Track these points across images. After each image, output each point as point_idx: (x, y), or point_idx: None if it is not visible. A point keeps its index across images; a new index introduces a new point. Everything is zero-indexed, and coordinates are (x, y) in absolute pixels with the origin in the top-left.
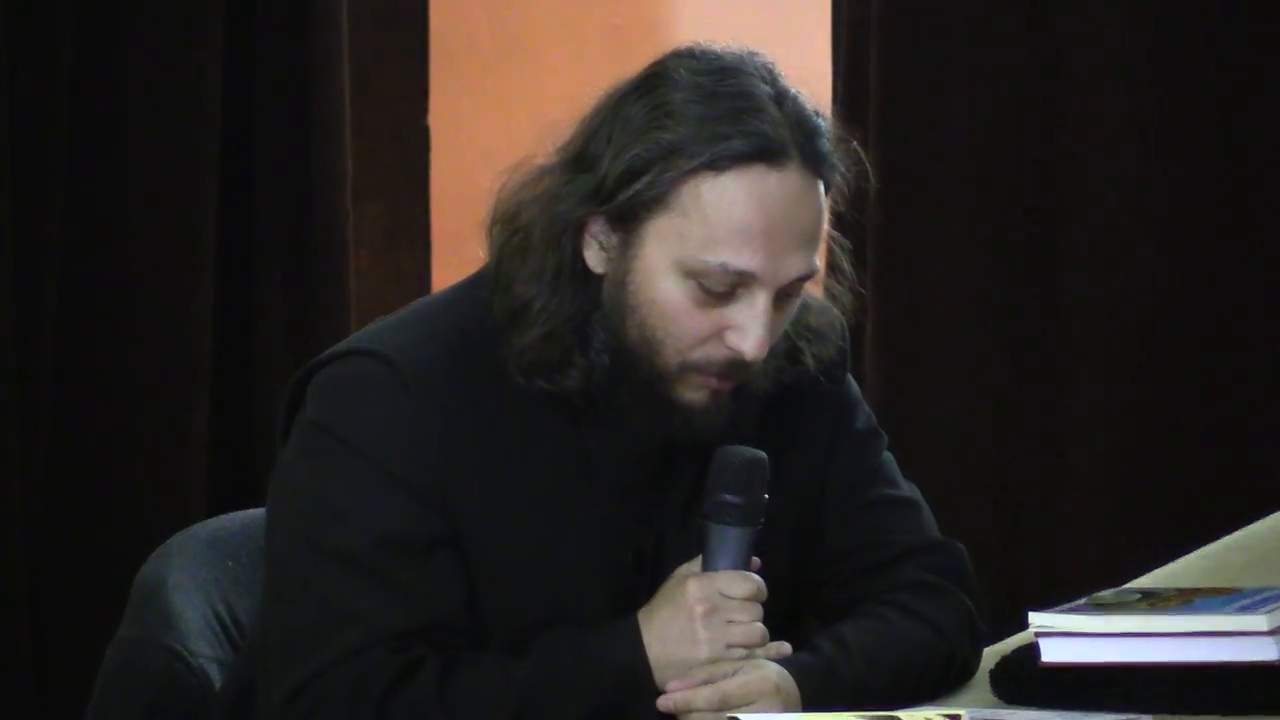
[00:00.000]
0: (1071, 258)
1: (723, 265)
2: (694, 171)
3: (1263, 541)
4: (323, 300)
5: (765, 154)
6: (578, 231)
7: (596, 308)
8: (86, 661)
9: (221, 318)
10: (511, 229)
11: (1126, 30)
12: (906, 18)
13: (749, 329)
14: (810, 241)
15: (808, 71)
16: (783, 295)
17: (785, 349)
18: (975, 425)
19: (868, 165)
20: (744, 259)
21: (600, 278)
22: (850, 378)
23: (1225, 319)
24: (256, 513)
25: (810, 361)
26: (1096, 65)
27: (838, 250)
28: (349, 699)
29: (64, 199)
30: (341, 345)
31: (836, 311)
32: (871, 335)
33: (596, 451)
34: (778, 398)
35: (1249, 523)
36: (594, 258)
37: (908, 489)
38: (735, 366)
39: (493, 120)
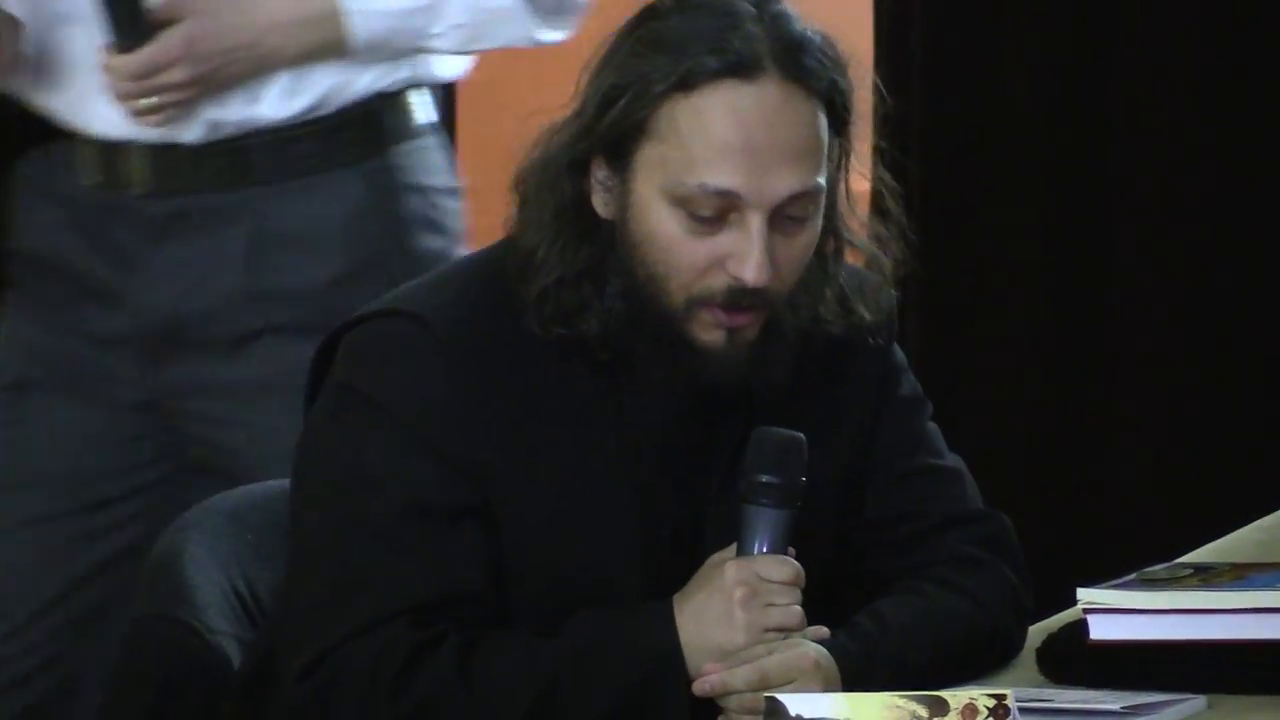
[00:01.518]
0: (1127, 224)
1: (701, 186)
2: (666, 94)
3: None
4: None
5: (737, 69)
6: (576, 175)
7: (610, 253)
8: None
9: None
10: (519, 182)
11: None
12: None
13: (746, 253)
14: (800, 157)
15: (848, 24)
16: (784, 218)
17: (835, 296)
18: (1022, 395)
19: (882, 88)
20: (723, 178)
21: (610, 223)
22: (896, 346)
23: None
24: (279, 484)
25: (865, 314)
26: (1154, 22)
27: (886, 195)
28: (364, 676)
29: None
30: (373, 305)
31: (887, 284)
32: (915, 301)
33: (636, 418)
34: (823, 352)
35: None
36: (600, 202)
37: (951, 459)
38: (743, 296)
39: (523, 71)
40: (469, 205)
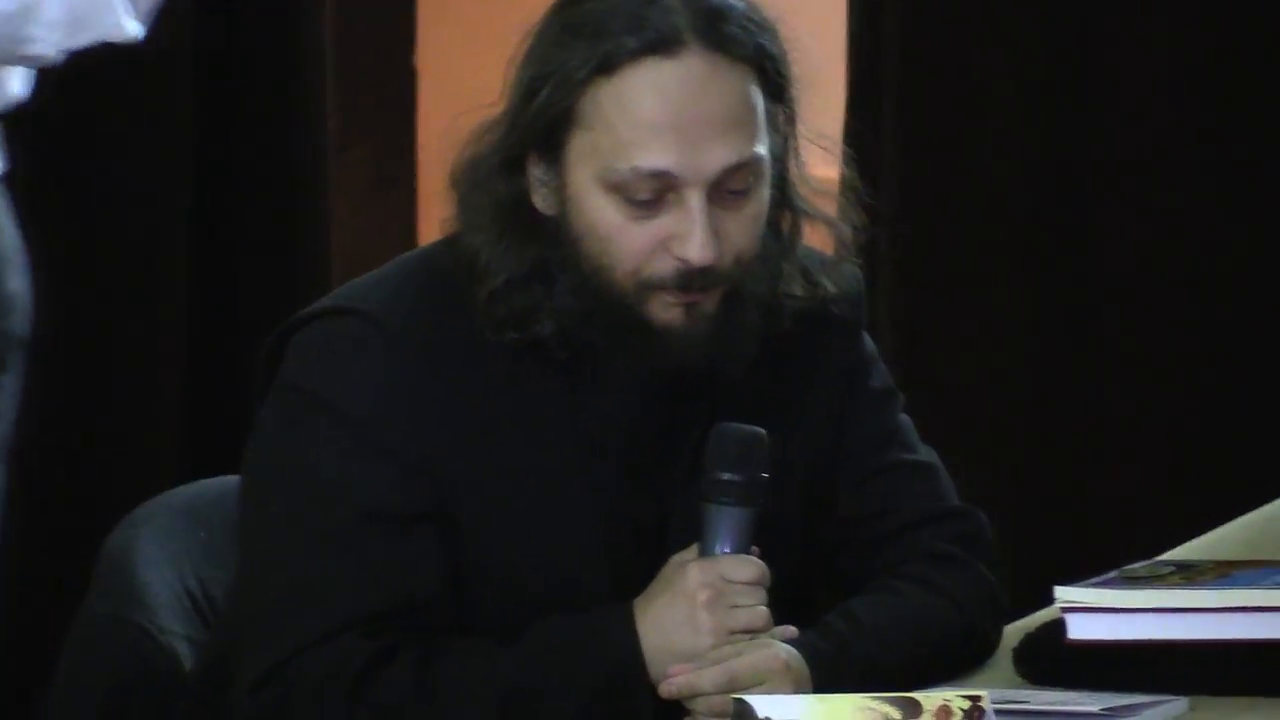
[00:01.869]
0: (1111, 217)
1: (634, 169)
2: (588, 80)
3: None
4: (303, 252)
5: (657, 45)
6: (511, 173)
7: (555, 249)
8: (52, 637)
9: (197, 270)
10: (454, 183)
11: None
12: None
13: (688, 233)
14: (732, 127)
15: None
16: (725, 193)
17: (795, 269)
18: (1000, 387)
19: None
20: (654, 158)
21: (552, 219)
22: (866, 335)
23: (1268, 282)
24: (231, 480)
25: (828, 285)
26: (1131, 15)
27: (850, 173)
28: (318, 688)
29: (33, 144)
30: (322, 302)
31: (853, 266)
32: (888, 290)
33: (594, 414)
34: (789, 334)
35: None
36: (539, 199)
37: (925, 453)
38: (693, 278)
39: (485, 61)
40: (426, 197)
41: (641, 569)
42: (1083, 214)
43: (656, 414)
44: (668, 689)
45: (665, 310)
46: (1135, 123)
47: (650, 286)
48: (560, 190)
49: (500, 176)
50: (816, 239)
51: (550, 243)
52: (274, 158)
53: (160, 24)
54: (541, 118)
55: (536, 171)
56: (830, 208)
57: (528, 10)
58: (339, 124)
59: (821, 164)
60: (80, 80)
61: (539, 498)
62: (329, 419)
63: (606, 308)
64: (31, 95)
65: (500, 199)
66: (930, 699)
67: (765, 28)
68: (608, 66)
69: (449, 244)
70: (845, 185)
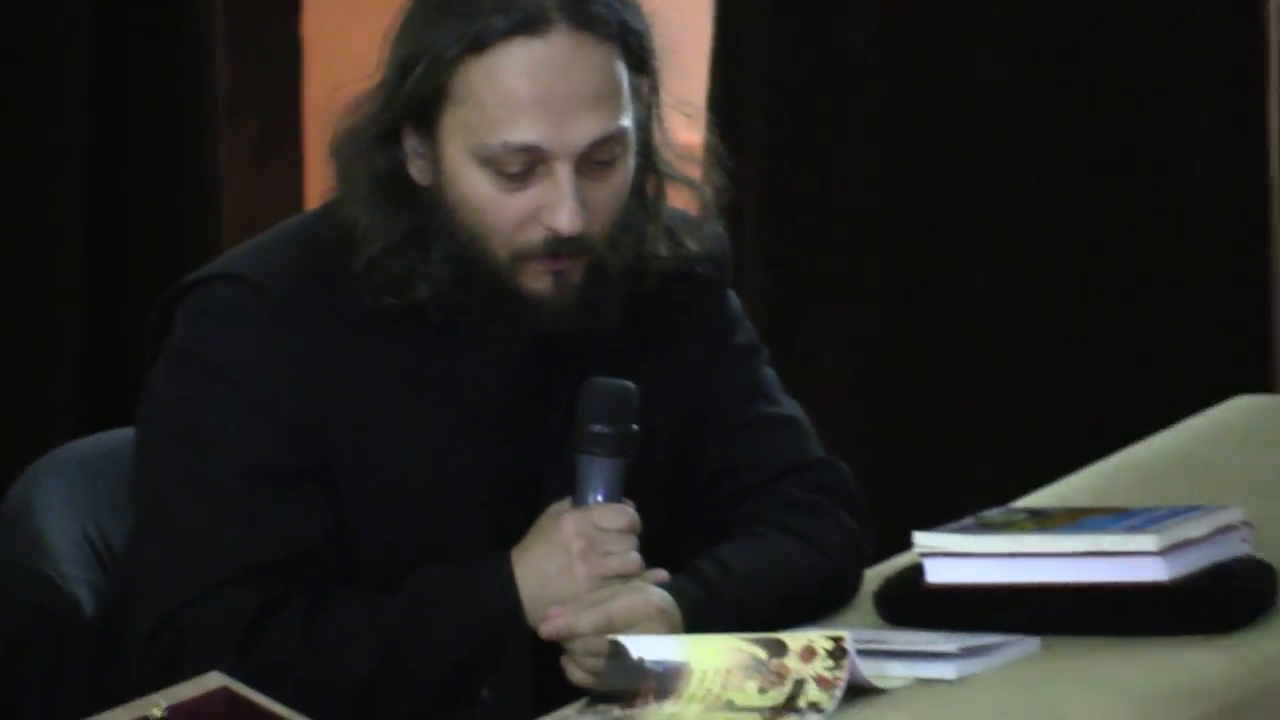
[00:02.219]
0: (963, 171)
1: (504, 144)
2: (459, 58)
3: (1154, 460)
4: (194, 216)
5: (523, 25)
6: (387, 146)
7: (431, 218)
8: None
9: (92, 234)
10: (333, 153)
11: None
12: None
13: (557, 203)
14: (598, 102)
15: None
16: (592, 164)
17: (660, 231)
18: (861, 341)
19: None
20: (523, 132)
21: (428, 189)
22: (731, 293)
23: (1113, 246)
24: (129, 433)
25: (691, 247)
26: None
27: (712, 141)
28: (210, 638)
29: None
30: (208, 268)
31: (717, 225)
32: (754, 247)
33: (470, 374)
34: (656, 294)
35: (1140, 439)
36: (416, 170)
37: (789, 406)
38: (562, 245)
39: (370, 31)
40: (313, 163)
41: (519, 523)
42: (939, 173)
43: (529, 374)
44: (548, 630)
45: (535, 279)
46: (990, 89)
47: (522, 256)
48: (435, 162)
49: (377, 149)
50: (681, 201)
51: (426, 212)
52: (166, 124)
53: (51, 5)
54: (416, 94)
55: (412, 144)
56: (695, 172)
57: None
58: (228, 91)
59: (685, 130)
60: None
61: (418, 455)
62: (215, 381)
63: (480, 275)
64: None
65: (377, 170)
66: (795, 639)
67: (628, 4)
68: (478, 45)
69: (328, 212)
70: (708, 149)
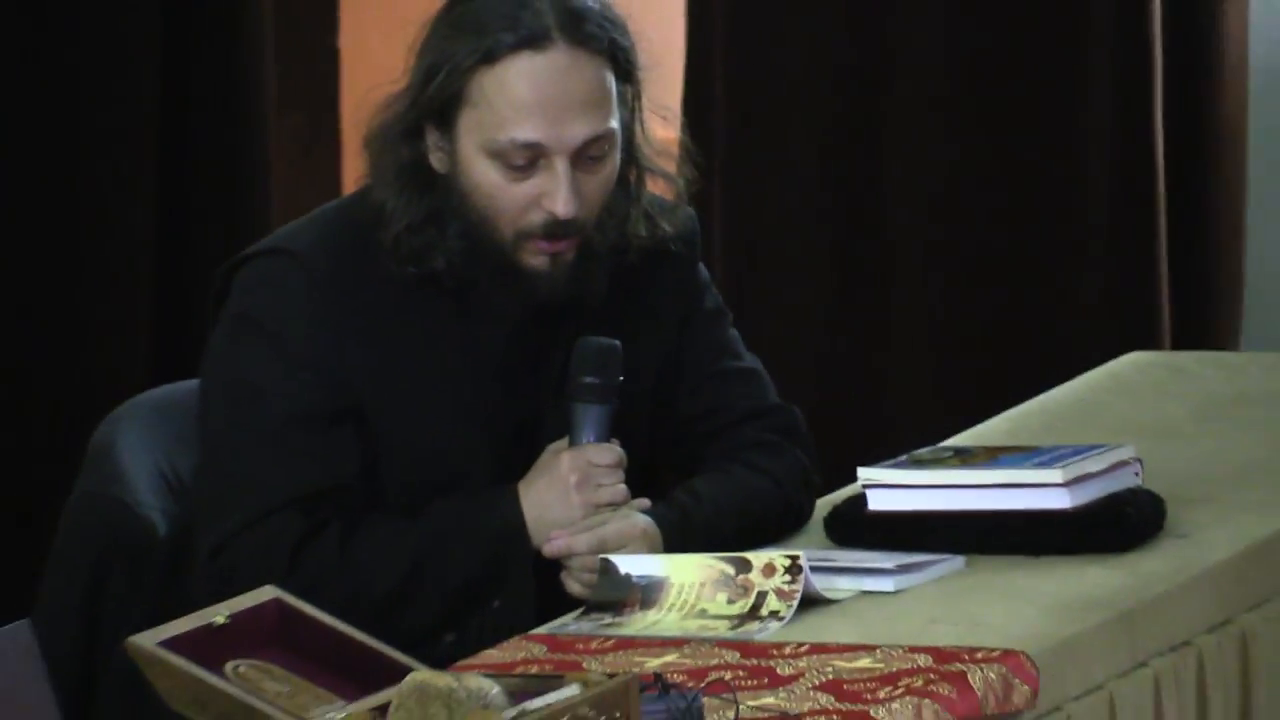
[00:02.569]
0: (891, 163)
1: (511, 140)
2: (474, 68)
3: (1058, 406)
4: (249, 200)
5: (529, 41)
6: (412, 139)
7: (447, 201)
8: (50, 515)
9: (163, 216)
10: (366, 145)
11: None
12: None
13: (555, 191)
14: (591, 107)
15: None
16: (585, 159)
17: (640, 214)
18: (811, 305)
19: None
20: (527, 131)
21: (445, 176)
22: (701, 265)
23: (1021, 225)
24: (193, 383)
25: (666, 227)
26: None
27: (685, 139)
28: (261, 557)
29: (23, 106)
30: (259, 244)
31: (688, 209)
32: (721, 226)
33: (479, 333)
34: (636, 265)
35: (1045, 390)
36: (435, 160)
37: (750, 360)
38: (559, 227)
39: (396, 41)
40: (349, 154)
41: (521, 460)
42: (872, 164)
43: (529, 335)
44: (550, 549)
45: (534, 257)
46: (915, 90)
47: (524, 235)
48: (452, 154)
49: (403, 141)
50: (658, 189)
51: (443, 195)
52: (224, 122)
53: (134, 16)
54: (437, 97)
55: (433, 138)
56: (670, 165)
57: (427, 5)
58: (276, 94)
59: (662, 128)
60: (59, 61)
61: (434, 400)
62: (264, 339)
63: (488, 250)
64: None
65: (403, 160)
66: (758, 558)
67: (617, 25)
68: (490, 57)
69: (361, 195)
70: (682, 146)
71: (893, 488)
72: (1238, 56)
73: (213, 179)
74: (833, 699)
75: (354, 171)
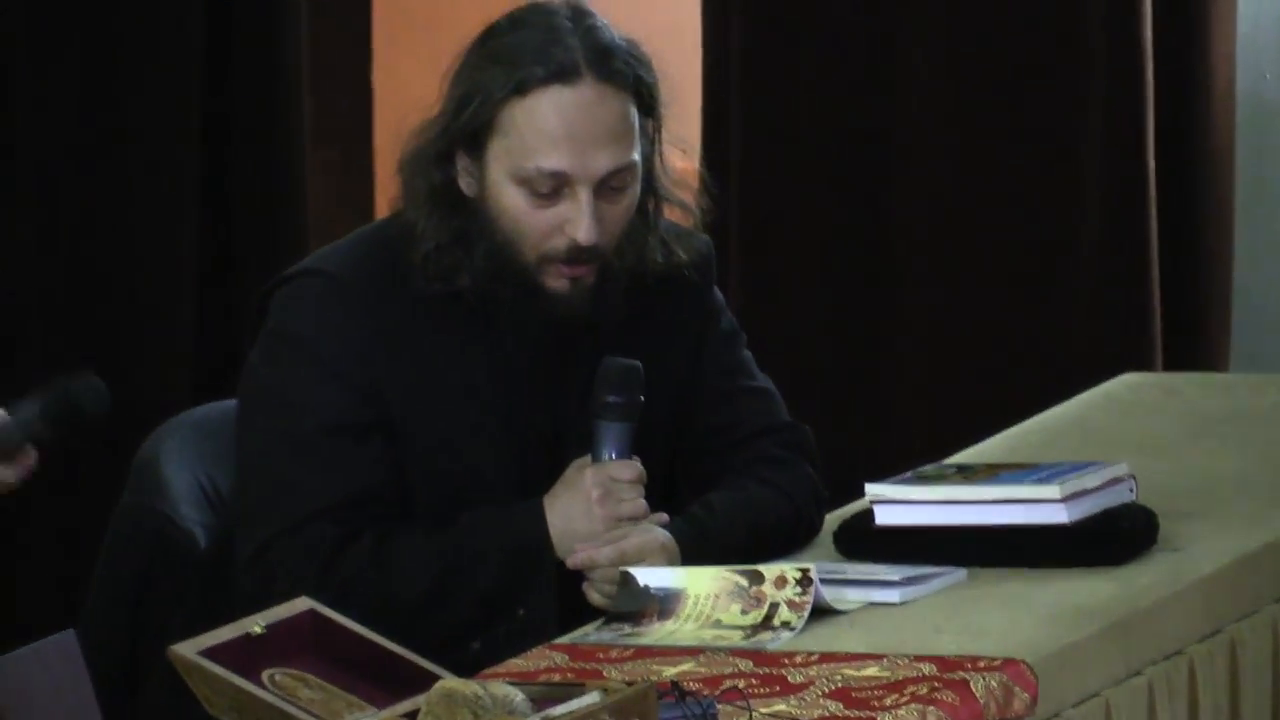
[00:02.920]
0: (897, 197)
1: (538, 169)
2: (505, 99)
3: (1055, 425)
4: (287, 225)
5: (558, 75)
6: (443, 164)
7: (475, 223)
8: (96, 527)
9: (204, 242)
10: (400, 169)
11: None
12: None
13: (578, 219)
14: (614, 139)
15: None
16: (608, 189)
17: (657, 241)
18: (821, 328)
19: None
20: (553, 160)
21: (473, 200)
22: (716, 290)
23: (1022, 251)
24: (233, 402)
25: (682, 254)
26: (919, 26)
27: (702, 171)
28: (297, 564)
29: (75, 138)
30: (297, 266)
31: (704, 237)
32: (736, 253)
33: (505, 352)
34: (654, 289)
35: (1043, 410)
36: (465, 184)
37: (763, 380)
38: (581, 252)
39: (427, 76)
40: (381, 182)
41: (544, 474)
42: (877, 199)
43: (551, 354)
44: (574, 561)
45: (555, 280)
46: (927, 127)
47: (547, 259)
48: (481, 180)
49: (435, 166)
50: (675, 217)
51: (471, 218)
52: (265, 152)
53: (179, 55)
54: (468, 125)
55: (463, 163)
56: (688, 195)
57: (457, 41)
58: (314, 126)
59: (681, 160)
60: (107, 101)
61: (461, 415)
62: (300, 354)
63: (512, 272)
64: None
65: (434, 183)
66: (771, 570)
67: (642, 62)
68: (521, 89)
69: (394, 217)
70: (699, 178)
71: (899, 503)
72: (1224, 86)
73: (252, 208)
74: (841, 706)
75: (386, 200)
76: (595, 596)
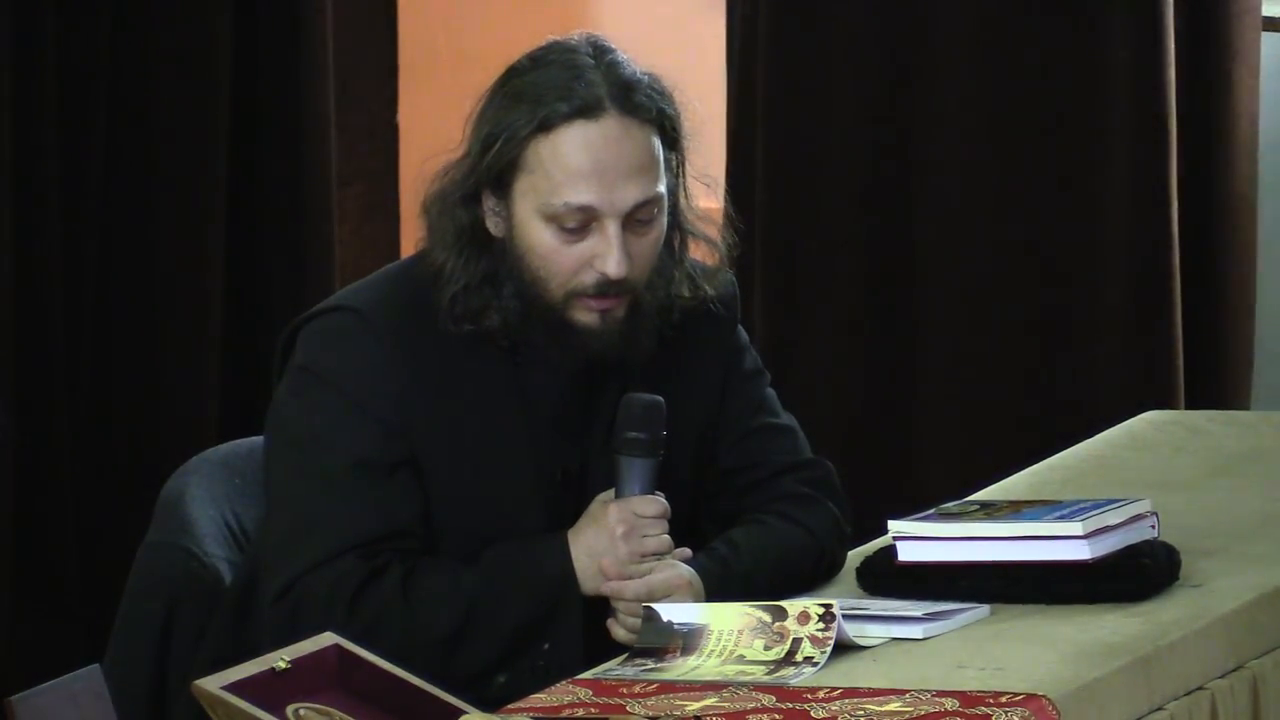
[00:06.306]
0: (920, 232)
1: (565, 204)
2: (530, 136)
3: (1078, 462)
4: (312, 264)
5: (582, 111)
6: (470, 204)
7: (502, 263)
8: (122, 564)
9: (231, 280)
10: (425, 210)
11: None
12: (792, 27)
13: (607, 253)
14: (639, 172)
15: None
16: (635, 222)
17: (684, 276)
18: (844, 366)
19: (681, 108)
20: (580, 195)
21: (501, 240)
22: (740, 327)
23: (1047, 292)
24: (259, 440)
25: (708, 289)
26: (942, 50)
27: (727, 206)
28: (324, 599)
29: (105, 182)
30: (324, 302)
31: (729, 273)
32: (760, 291)
33: (530, 387)
34: (680, 324)
35: (1066, 447)
36: (491, 224)
37: (786, 418)
38: (609, 286)
39: (451, 117)
40: (407, 222)
41: (569, 509)
42: (905, 235)
43: (578, 390)
44: (606, 589)
45: (585, 315)
46: (952, 164)
47: (575, 294)
48: (508, 218)
49: (461, 206)
50: (700, 253)
51: (498, 258)
52: (292, 192)
53: (206, 95)
54: (494, 164)
55: (489, 203)
56: (713, 230)
57: (481, 81)
58: (341, 167)
59: (705, 196)
60: (137, 144)
61: (488, 451)
62: (327, 391)
63: (541, 310)
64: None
65: (461, 224)
66: (793, 605)
67: (665, 95)
68: (546, 126)
69: (420, 257)
70: (724, 213)
71: (921, 539)
72: (1248, 134)
73: (279, 247)
74: None
75: (411, 238)
76: (619, 632)
